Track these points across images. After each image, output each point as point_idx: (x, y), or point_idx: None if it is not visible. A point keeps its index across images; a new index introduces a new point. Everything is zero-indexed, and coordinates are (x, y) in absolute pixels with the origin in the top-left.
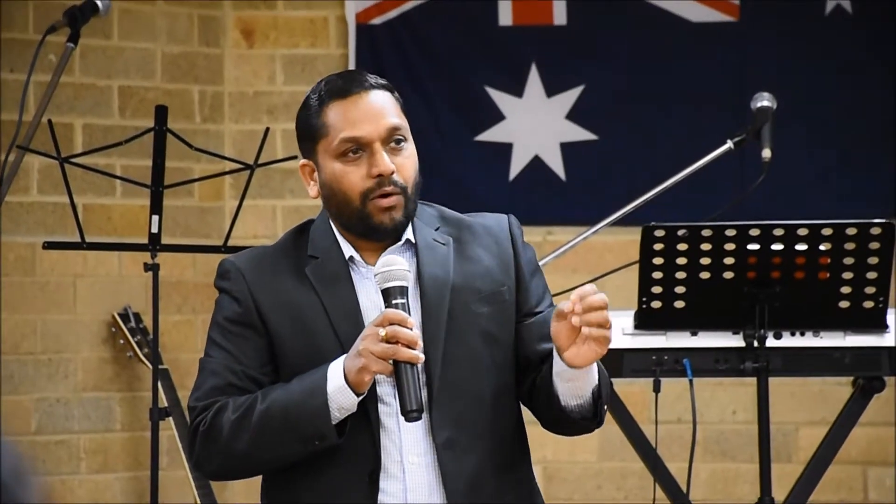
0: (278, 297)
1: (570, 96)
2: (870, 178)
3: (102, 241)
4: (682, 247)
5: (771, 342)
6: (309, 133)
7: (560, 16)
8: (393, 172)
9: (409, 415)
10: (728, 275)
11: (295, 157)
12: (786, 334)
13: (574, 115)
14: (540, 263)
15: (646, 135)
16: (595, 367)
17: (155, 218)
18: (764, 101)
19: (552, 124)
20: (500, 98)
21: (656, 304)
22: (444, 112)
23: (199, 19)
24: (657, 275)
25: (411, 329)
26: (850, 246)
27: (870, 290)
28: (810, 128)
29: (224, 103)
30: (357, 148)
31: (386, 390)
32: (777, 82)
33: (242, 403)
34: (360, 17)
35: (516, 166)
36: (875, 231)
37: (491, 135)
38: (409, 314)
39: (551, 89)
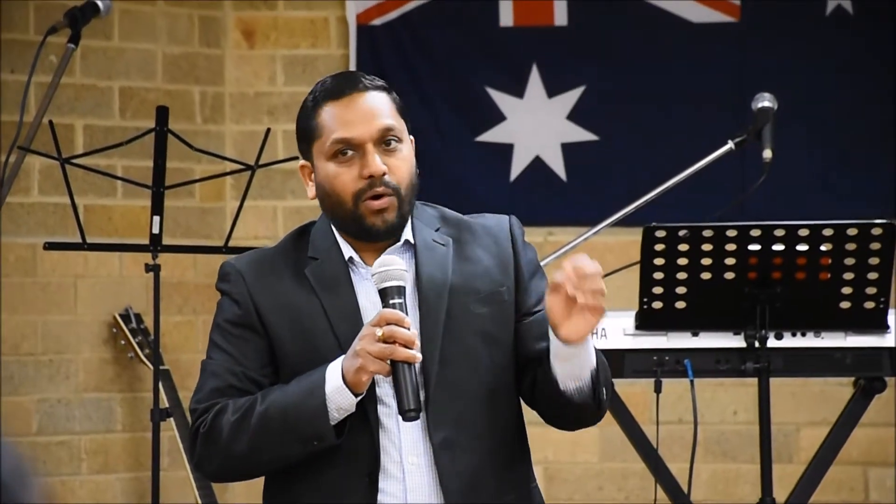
0: (278, 298)
1: (571, 97)
2: (870, 178)
3: (103, 241)
4: (683, 247)
5: (772, 343)
6: (305, 134)
7: (561, 16)
8: (384, 174)
9: (407, 414)
10: (729, 275)
11: (296, 158)
12: (787, 335)
13: (575, 116)
14: (541, 264)
15: (646, 135)
16: (592, 348)
17: (156, 218)
18: (765, 101)
19: (553, 125)
20: (500, 99)
21: (657, 305)
22: (445, 113)
23: (200, 20)
24: (658, 275)
25: (408, 329)
26: (851, 246)
27: (871, 290)
28: (810, 128)
29: (225, 104)
30: (349, 149)
31: (385, 391)
32: (777, 83)
33: (242, 405)
34: (361, 17)
35: (517, 167)
36: (876, 231)
37: (492, 135)
38: (407, 314)
39: (552, 90)
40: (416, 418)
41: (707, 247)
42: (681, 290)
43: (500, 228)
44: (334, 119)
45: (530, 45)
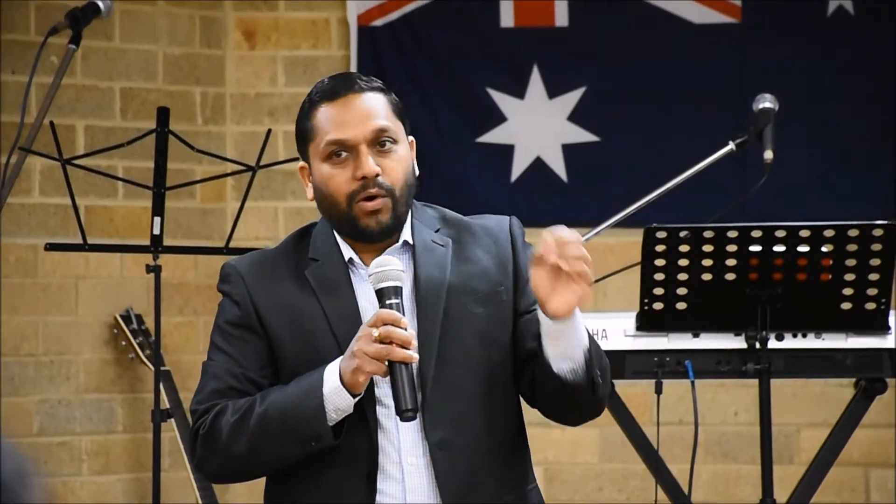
0: (278, 299)
1: (572, 98)
2: (870, 178)
3: (104, 242)
4: (684, 248)
5: (773, 344)
6: (302, 135)
7: (561, 17)
8: (377, 175)
9: (404, 414)
10: (730, 276)
11: (296, 159)
12: (787, 336)
13: (575, 117)
14: None
15: (647, 136)
16: (583, 328)
17: (157, 219)
18: (766, 102)
19: (554, 126)
20: (501, 99)
21: (658, 306)
22: (446, 113)
23: (201, 21)
24: (659, 276)
25: (405, 329)
26: (852, 247)
27: (872, 291)
28: (811, 128)
29: (226, 105)
30: (342, 150)
31: (384, 392)
32: (778, 83)
33: (241, 406)
34: (362, 18)
35: (518, 168)
36: (877, 232)
37: (492, 136)
38: (404, 314)
39: (553, 91)
40: (414, 419)
41: (708, 248)
42: (681, 291)
43: (500, 229)
44: (329, 120)
45: (531, 46)
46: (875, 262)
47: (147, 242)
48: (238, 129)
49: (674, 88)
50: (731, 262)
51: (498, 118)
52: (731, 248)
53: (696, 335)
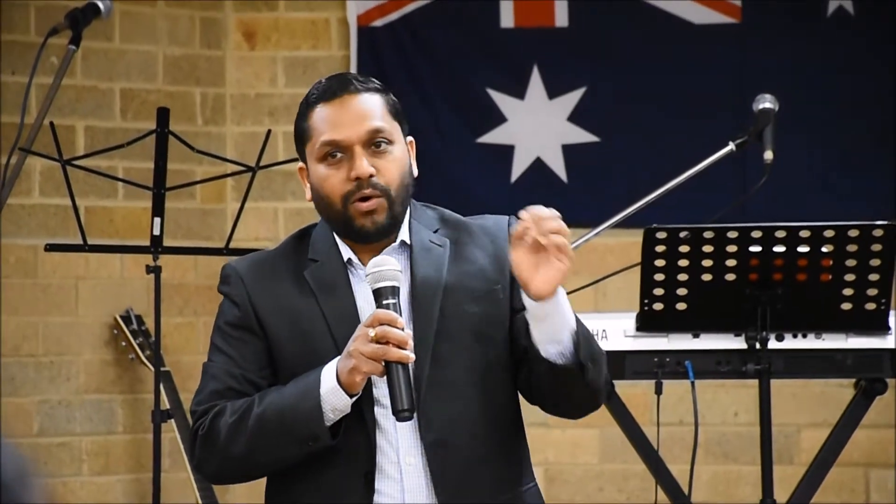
0: (277, 300)
1: (572, 98)
2: (870, 178)
3: (104, 243)
4: (684, 249)
5: (773, 344)
6: (299, 136)
7: (562, 17)
8: (371, 175)
9: (400, 414)
10: (730, 277)
11: (296, 160)
12: (787, 336)
13: (576, 117)
14: None
15: (647, 136)
16: (569, 311)
17: (157, 220)
18: (766, 102)
19: (554, 126)
20: (501, 100)
21: (658, 306)
22: (446, 114)
23: (201, 21)
24: (659, 277)
25: (402, 329)
26: (852, 248)
27: (872, 291)
28: (811, 128)
29: (226, 105)
30: (337, 151)
31: (382, 392)
32: (778, 83)
33: (240, 407)
34: (362, 19)
35: (518, 168)
36: (877, 233)
37: (492, 137)
38: (401, 314)
39: (553, 91)
40: (410, 418)
41: (708, 248)
42: (681, 291)
43: (498, 228)
44: (324, 121)
45: (531, 46)
46: (875, 262)
47: (147, 243)
48: (238, 129)
49: (674, 88)
50: (731, 262)
51: (498, 118)
52: (731, 248)
53: (696, 335)
